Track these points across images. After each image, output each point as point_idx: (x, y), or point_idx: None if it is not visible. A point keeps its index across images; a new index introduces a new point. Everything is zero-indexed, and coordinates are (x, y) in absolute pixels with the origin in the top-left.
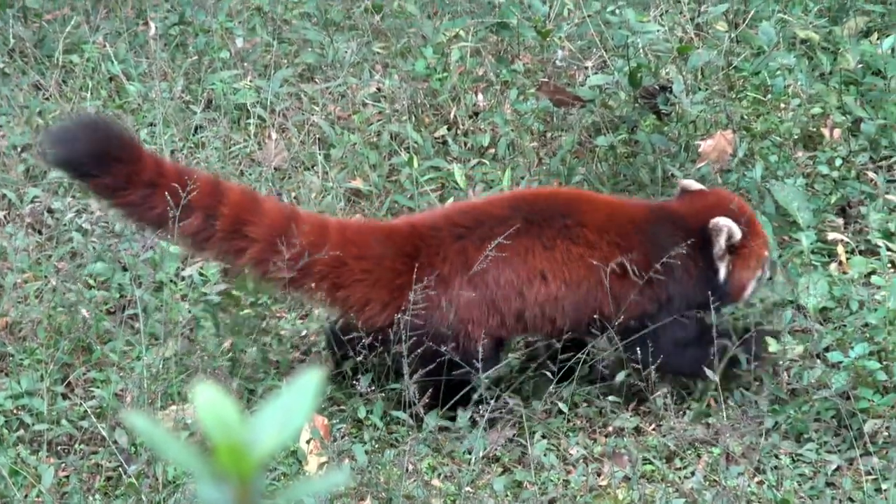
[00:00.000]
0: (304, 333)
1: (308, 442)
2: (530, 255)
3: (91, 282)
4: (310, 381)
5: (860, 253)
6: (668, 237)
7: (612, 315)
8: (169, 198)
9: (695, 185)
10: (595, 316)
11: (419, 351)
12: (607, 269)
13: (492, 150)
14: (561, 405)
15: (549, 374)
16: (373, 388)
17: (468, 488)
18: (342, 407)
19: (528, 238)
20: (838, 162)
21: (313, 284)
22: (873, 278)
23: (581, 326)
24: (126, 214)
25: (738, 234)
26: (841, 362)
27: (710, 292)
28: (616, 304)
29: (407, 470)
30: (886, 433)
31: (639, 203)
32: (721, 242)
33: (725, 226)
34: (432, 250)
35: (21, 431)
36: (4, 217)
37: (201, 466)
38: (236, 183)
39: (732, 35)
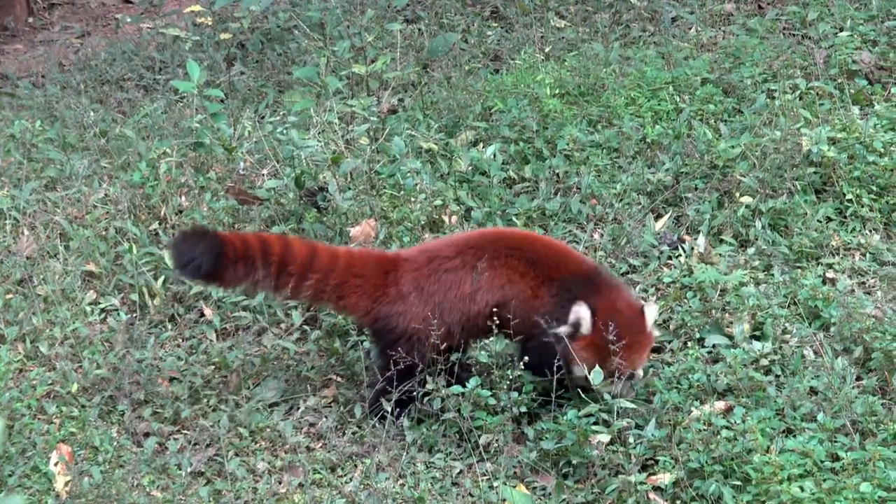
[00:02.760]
0: None
1: (56, 465)
2: (463, 285)
3: None
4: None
5: None
6: (572, 293)
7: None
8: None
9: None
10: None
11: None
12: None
13: None
14: (242, 430)
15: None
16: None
17: (180, 496)
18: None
19: (464, 272)
20: None
21: (327, 297)
22: None
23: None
24: (228, 282)
25: (585, 328)
26: (462, 393)
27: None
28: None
29: (132, 484)
30: (496, 444)
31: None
32: (569, 320)
33: (577, 315)
34: (400, 273)
35: None
36: None
37: None
38: (275, 235)
39: (373, 147)
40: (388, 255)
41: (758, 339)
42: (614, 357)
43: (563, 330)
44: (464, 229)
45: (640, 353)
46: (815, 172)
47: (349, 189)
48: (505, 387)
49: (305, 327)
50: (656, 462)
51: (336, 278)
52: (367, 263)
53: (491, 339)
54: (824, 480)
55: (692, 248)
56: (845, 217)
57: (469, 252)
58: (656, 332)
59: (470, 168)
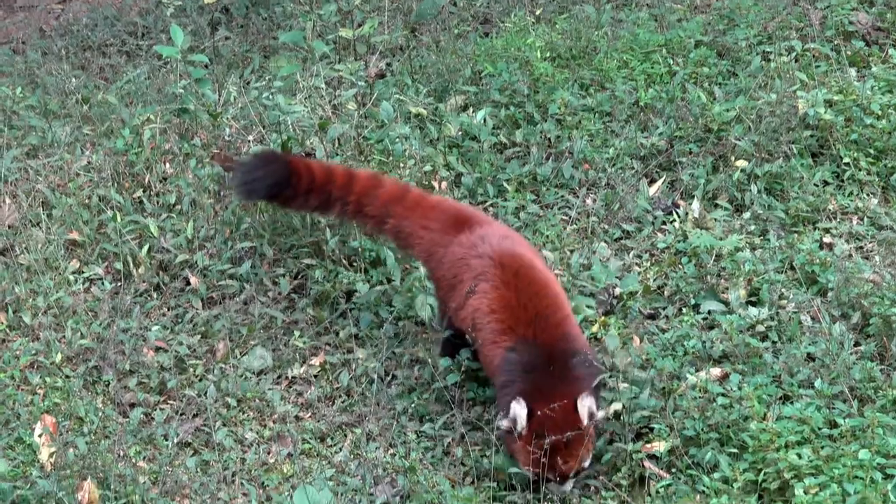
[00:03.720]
0: None
1: (40, 436)
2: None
3: None
4: None
5: None
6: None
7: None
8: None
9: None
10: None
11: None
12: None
13: (178, 206)
14: (229, 399)
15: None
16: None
17: (167, 467)
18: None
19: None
20: None
21: (404, 242)
22: None
23: None
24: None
25: (518, 425)
26: (449, 366)
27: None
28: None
29: (118, 455)
30: (487, 415)
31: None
32: (508, 414)
33: (514, 412)
34: (462, 232)
35: None
36: None
37: None
38: (365, 170)
39: (361, 112)
40: (465, 210)
41: (754, 304)
42: (554, 463)
43: (504, 424)
44: (454, 195)
45: (577, 451)
46: (811, 136)
47: (337, 155)
48: None
49: (293, 295)
50: (651, 430)
51: (409, 226)
52: (439, 214)
53: None
54: (822, 447)
55: (687, 213)
56: (842, 181)
57: (497, 261)
58: (599, 416)
59: (460, 133)
